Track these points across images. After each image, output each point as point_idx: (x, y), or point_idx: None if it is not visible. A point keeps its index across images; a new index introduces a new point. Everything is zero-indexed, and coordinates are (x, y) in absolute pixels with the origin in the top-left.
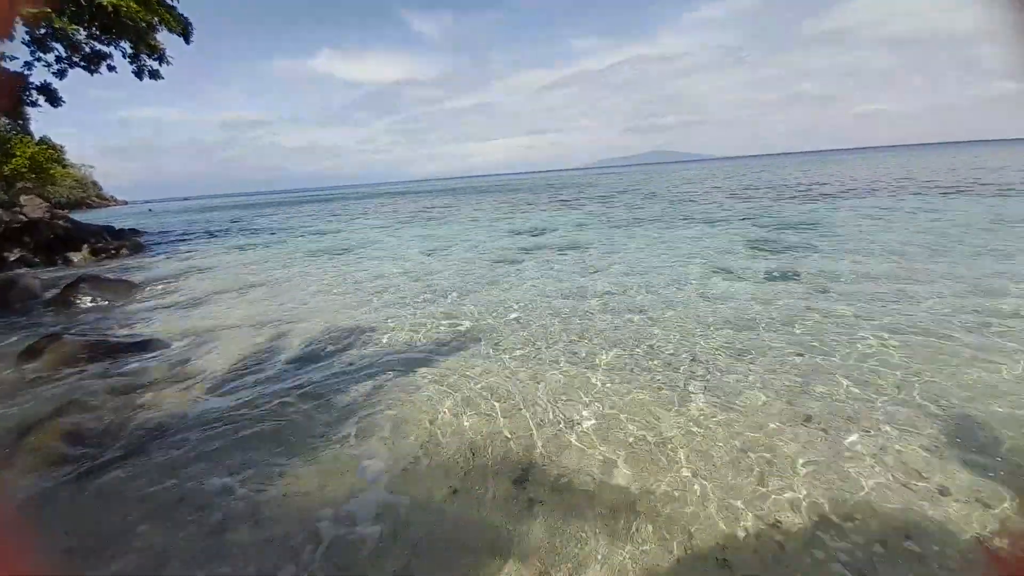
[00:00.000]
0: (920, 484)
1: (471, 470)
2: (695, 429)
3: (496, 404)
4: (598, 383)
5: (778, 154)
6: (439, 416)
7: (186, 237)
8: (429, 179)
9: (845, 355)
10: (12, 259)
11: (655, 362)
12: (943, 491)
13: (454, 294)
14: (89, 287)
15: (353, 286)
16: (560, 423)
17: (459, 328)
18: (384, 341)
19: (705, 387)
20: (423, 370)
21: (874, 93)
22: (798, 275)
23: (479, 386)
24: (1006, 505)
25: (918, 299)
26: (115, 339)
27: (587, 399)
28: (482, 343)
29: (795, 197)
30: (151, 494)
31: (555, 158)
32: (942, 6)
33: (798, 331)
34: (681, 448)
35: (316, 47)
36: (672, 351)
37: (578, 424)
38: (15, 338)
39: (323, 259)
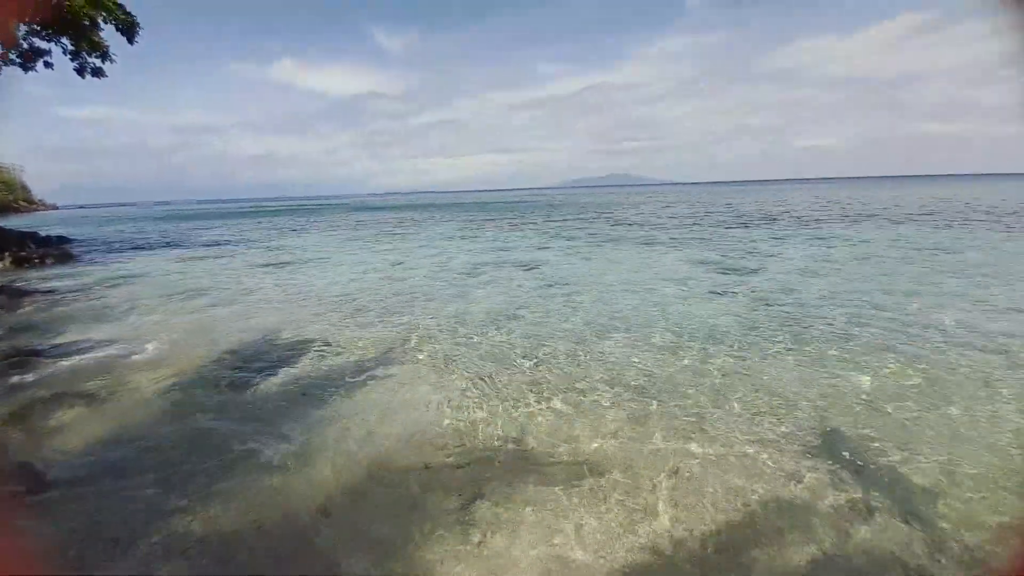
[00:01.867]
0: None
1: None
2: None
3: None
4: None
5: (730, 181)
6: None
7: (120, 246)
8: (392, 192)
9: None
10: None
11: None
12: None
13: (418, 304)
14: (6, 299)
15: (287, 296)
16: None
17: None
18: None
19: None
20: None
21: (816, 128)
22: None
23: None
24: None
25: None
26: (27, 355)
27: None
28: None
29: (748, 224)
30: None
31: (520, 176)
32: (871, 51)
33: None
34: None
35: (277, 55)
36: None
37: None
38: None
39: (262, 272)
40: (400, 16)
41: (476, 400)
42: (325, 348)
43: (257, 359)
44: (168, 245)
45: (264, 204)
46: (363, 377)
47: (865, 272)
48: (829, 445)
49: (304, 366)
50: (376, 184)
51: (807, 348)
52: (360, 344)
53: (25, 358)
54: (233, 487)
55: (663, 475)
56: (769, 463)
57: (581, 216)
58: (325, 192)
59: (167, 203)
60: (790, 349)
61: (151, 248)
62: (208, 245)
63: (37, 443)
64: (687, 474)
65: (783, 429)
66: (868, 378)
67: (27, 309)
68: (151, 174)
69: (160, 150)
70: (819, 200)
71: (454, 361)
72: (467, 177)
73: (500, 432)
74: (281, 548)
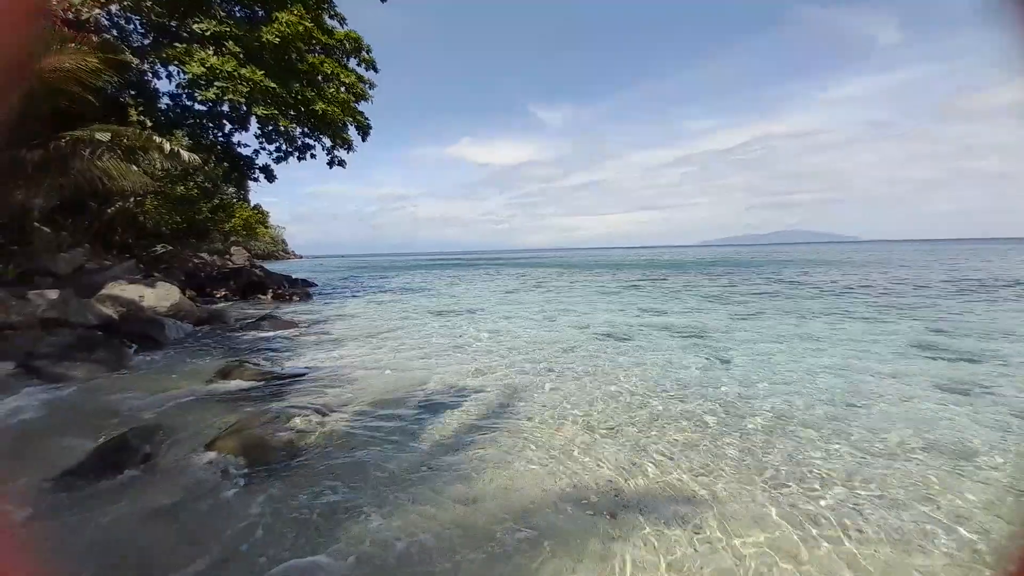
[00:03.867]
0: None
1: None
2: None
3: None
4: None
5: (942, 239)
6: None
7: (340, 289)
8: (541, 249)
9: None
10: (219, 295)
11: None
12: None
13: (559, 364)
14: (269, 324)
15: (471, 345)
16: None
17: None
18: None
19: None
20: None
21: None
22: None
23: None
24: None
25: None
26: (279, 371)
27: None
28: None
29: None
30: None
31: (668, 233)
32: None
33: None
34: None
35: (455, 137)
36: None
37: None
38: (213, 358)
39: (447, 317)
40: (554, 92)
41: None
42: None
43: (420, 401)
44: (374, 290)
45: (437, 257)
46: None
47: None
48: None
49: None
50: (525, 240)
51: None
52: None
53: (275, 373)
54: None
55: None
56: None
57: (741, 277)
58: (481, 246)
59: (371, 255)
60: None
61: (362, 291)
62: (397, 291)
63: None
64: None
65: None
66: None
67: (282, 332)
68: (360, 232)
69: (367, 214)
70: None
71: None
72: (612, 233)
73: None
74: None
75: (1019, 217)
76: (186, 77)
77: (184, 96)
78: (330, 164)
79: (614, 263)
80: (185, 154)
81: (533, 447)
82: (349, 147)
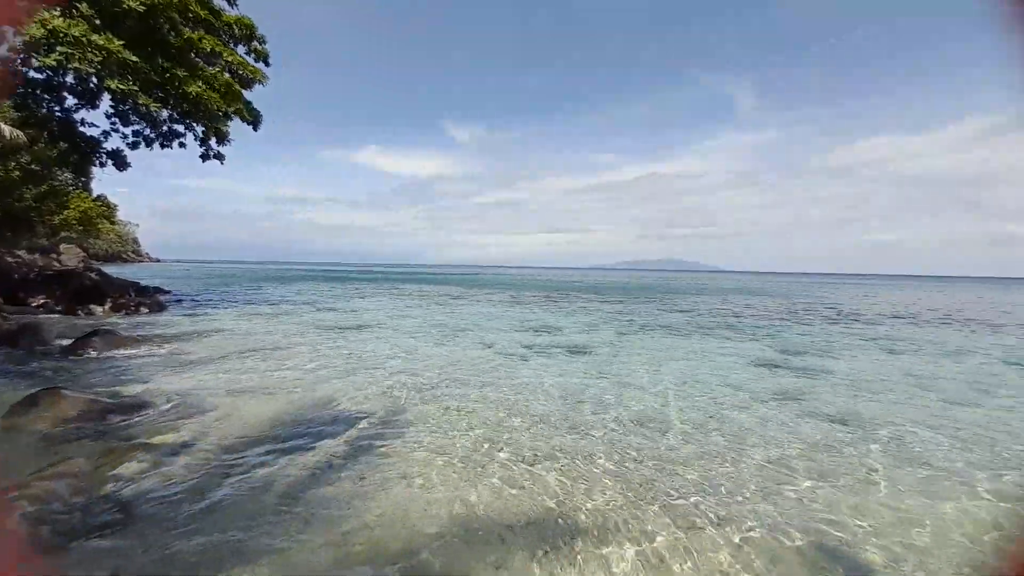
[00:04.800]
0: None
1: None
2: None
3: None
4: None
5: (787, 272)
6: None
7: (205, 301)
8: (452, 264)
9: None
10: (35, 304)
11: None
12: None
13: (461, 381)
14: (101, 341)
15: (351, 364)
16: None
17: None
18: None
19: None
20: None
21: (883, 223)
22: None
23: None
24: None
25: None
26: (108, 400)
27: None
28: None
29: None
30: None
31: (574, 256)
32: (942, 151)
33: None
34: None
35: (364, 141)
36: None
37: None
38: (18, 385)
39: (332, 334)
40: (467, 112)
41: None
42: (372, 420)
43: (299, 428)
44: (248, 303)
45: (338, 268)
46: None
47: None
48: None
49: (345, 439)
50: (436, 255)
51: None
52: (399, 417)
53: (103, 403)
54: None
55: None
56: None
57: (641, 298)
58: (389, 259)
59: (257, 262)
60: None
61: (236, 304)
62: (284, 304)
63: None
64: None
65: None
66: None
67: (121, 351)
68: (244, 236)
69: (253, 216)
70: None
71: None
72: (523, 253)
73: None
74: None
75: (849, 256)
76: (20, 40)
77: (18, 60)
78: (204, 157)
79: (523, 282)
80: (7, 129)
81: (416, 474)
82: (222, 139)
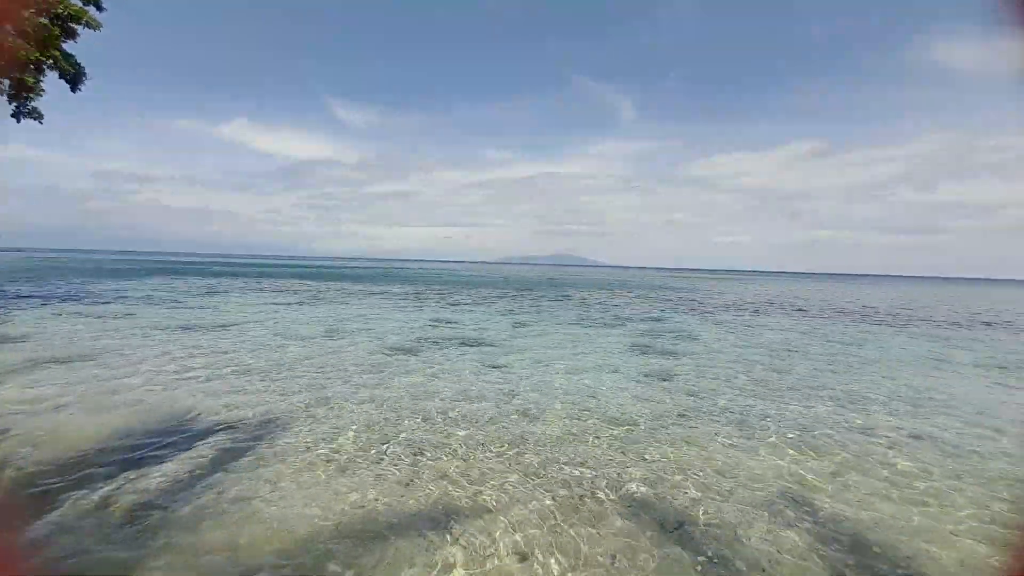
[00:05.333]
0: None
1: None
2: None
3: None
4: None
5: (661, 268)
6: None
7: (17, 300)
8: (339, 257)
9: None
10: None
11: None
12: None
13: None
14: None
15: (209, 368)
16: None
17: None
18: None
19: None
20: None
21: (730, 227)
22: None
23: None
24: None
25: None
26: None
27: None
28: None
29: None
30: None
31: (469, 250)
32: (775, 169)
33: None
34: None
35: (230, 112)
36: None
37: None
38: None
39: (185, 336)
40: (361, 94)
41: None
42: (228, 432)
43: (144, 439)
44: (75, 299)
45: (194, 260)
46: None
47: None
48: None
49: (200, 453)
50: (321, 247)
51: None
52: (253, 423)
53: None
54: None
55: None
56: None
57: (543, 291)
58: (265, 250)
59: (82, 250)
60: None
61: (50, 302)
62: (115, 300)
63: None
64: None
65: None
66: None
67: None
68: (63, 218)
69: (75, 194)
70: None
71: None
72: (418, 247)
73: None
74: None
75: (704, 254)
76: None
77: None
78: (15, 116)
79: (418, 276)
80: None
81: (284, 480)
82: (30, 95)
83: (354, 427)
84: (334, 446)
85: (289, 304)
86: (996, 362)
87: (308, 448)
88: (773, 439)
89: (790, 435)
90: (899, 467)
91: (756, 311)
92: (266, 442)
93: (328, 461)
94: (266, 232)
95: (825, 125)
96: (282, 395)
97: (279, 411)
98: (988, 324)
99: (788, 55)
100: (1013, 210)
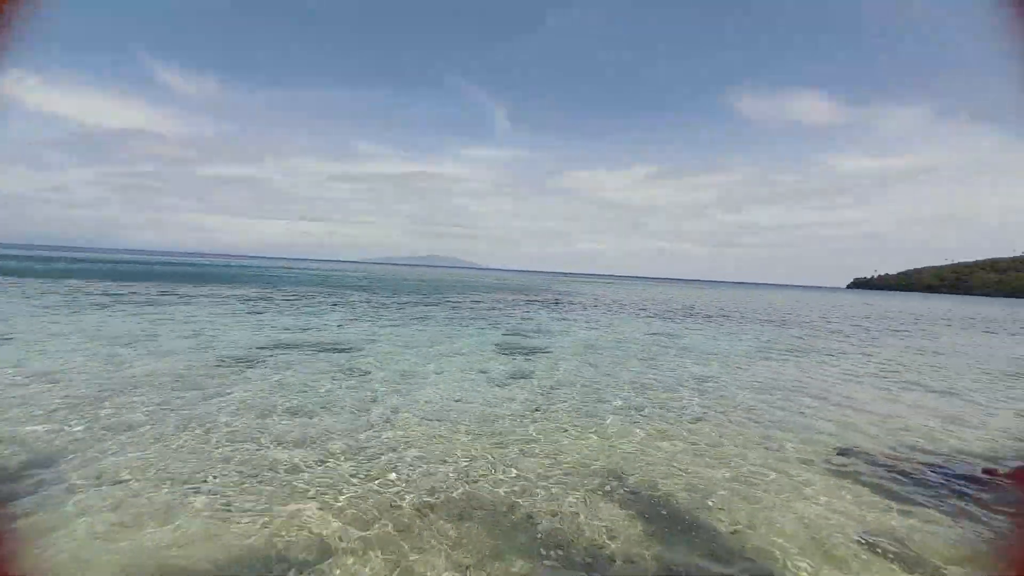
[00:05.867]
0: None
1: None
2: None
3: None
4: None
5: (531, 271)
6: None
7: None
8: (165, 252)
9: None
10: None
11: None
12: None
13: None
14: None
15: None
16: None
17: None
18: None
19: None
20: None
21: (590, 236)
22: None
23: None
24: None
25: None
26: None
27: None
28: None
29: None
30: None
31: (336, 248)
32: (625, 187)
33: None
34: None
35: None
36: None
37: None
38: None
39: None
40: (194, 59)
41: None
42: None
43: None
44: None
45: None
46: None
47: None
48: None
49: None
50: (137, 238)
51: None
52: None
53: None
54: None
55: None
56: None
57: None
58: (49, 240)
59: None
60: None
61: None
62: None
63: None
64: None
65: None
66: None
67: None
68: None
69: None
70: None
71: None
72: (274, 242)
73: None
74: None
75: (569, 259)
76: None
77: None
78: None
79: (265, 276)
80: None
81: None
82: None
83: (163, 462)
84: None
85: (71, 311)
86: (782, 347)
87: (90, 483)
88: (609, 422)
89: (626, 417)
90: (701, 435)
91: (609, 310)
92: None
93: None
94: (53, 217)
95: (663, 153)
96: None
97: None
98: (770, 320)
99: (639, 89)
100: (793, 231)
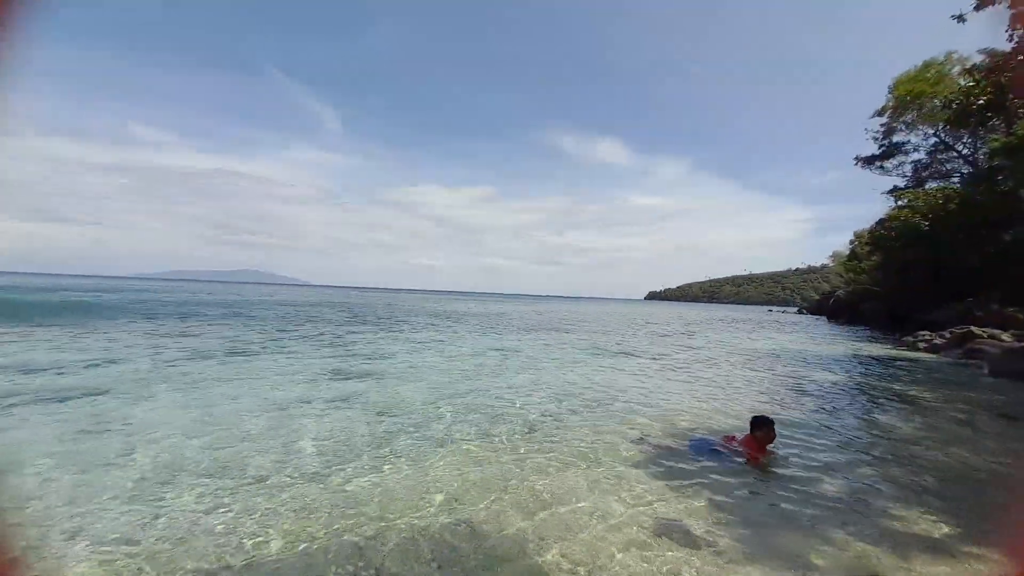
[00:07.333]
0: None
1: None
2: None
3: None
4: None
5: (361, 287)
6: None
7: None
8: None
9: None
10: None
11: None
12: None
13: None
14: None
15: None
16: None
17: None
18: None
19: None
20: None
21: (427, 251)
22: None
23: None
24: None
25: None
26: None
27: None
28: None
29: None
30: None
31: (99, 259)
32: (455, 204)
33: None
34: None
35: None
36: None
37: None
38: None
39: None
40: None
41: None
42: None
43: None
44: None
45: None
46: None
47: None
48: None
49: None
50: None
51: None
52: None
53: None
54: None
55: None
56: None
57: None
58: None
59: None
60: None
61: None
62: None
63: None
64: None
65: None
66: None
67: None
68: None
69: None
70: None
71: None
72: None
73: None
74: None
75: (405, 275)
76: None
77: None
78: None
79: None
80: None
81: None
82: None
83: None
84: None
85: None
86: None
87: None
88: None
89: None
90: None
91: (437, 327)
92: None
93: None
94: None
95: (497, 176)
96: None
97: None
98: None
99: (476, 112)
100: (604, 252)
